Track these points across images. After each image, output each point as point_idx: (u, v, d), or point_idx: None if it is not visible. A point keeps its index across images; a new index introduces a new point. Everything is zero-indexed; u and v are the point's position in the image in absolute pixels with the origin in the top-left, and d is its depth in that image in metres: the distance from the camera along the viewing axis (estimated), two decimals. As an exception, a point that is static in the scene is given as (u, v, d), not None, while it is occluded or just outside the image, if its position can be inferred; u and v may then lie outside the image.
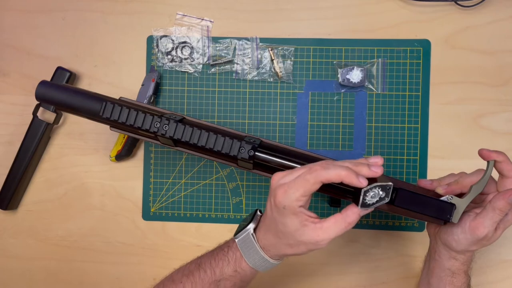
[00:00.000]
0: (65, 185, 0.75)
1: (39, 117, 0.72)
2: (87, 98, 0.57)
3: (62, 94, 0.57)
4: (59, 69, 0.72)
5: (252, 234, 0.52)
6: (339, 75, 0.71)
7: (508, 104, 0.70)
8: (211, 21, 0.73)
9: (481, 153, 0.55)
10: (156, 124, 0.55)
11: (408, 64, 0.71)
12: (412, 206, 0.53)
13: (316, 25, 0.72)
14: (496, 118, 0.70)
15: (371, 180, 0.48)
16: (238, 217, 0.73)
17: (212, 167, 0.73)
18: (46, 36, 0.75)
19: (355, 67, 0.71)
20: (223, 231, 0.73)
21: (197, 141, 0.55)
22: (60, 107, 0.58)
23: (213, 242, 0.73)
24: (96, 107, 0.56)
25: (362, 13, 0.72)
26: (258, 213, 0.54)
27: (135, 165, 0.74)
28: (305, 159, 0.55)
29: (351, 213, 0.49)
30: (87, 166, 0.75)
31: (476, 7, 0.70)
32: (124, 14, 0.74)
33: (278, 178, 0.50)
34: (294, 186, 0.48)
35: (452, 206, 0.53)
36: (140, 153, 0.74)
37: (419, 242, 0.71)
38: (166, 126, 0.55)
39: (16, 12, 0.76)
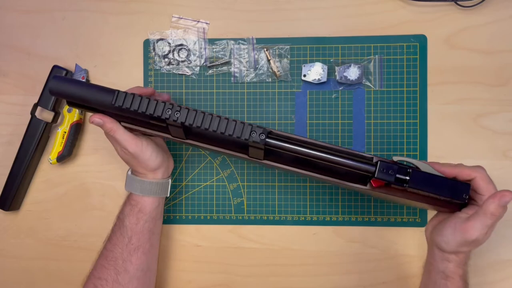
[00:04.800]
0: (65, 185, 0.75)
1: (37, 117, 0.72)
2: (99, 89, 0.58)
3: (75, 87, 0.58)
4: (55, 68, 0.72)
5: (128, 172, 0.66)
6: (336, 73, 0.71)
7: (508, 104, 0.70)
8: (207, 23, 0.73)
9: (440, 170, 0.55)
10: (168, 111, 0.55)
11: (405, 60, 0.71)
12: (427, 187, 0.53)
13: (316, 25, 0.72)
14: (496, 118, 0.70)
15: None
16: (240, 218, 0.73)
17: (213, 169, 0.73)
18: (46, 36, 0.75)
19: (352, 64, 0.71)
20: (222, 231, 0.73)
21: (209, 125, 0.55)
22: (73, 100, 0.59)
23: (213, 242, 0.73)
24: (108, 98, 0.57)
25: (362, 13, 0.72)
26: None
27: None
28: (315, 147, 0.56)
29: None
30: (87, 166, 0.75)
31: (476, 7, 0.70)
32: (125, 14, 0.74)
33: None
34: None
35: (467, 185, 0.53)
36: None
37: (419, 241, 0.71)
38: (177, 113, 0.55)
39: (16, 12, 0.75)
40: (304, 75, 0.72)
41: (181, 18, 0.73)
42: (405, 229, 0.72)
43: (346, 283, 0.72)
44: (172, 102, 0.57)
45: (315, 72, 0.71)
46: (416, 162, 0.55)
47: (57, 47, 0.75)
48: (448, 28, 0.71)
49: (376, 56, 0.71)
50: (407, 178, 0.53)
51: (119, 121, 0.60)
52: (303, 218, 0.72)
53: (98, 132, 0.74)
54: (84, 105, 0.59)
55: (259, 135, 0.54)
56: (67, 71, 0.72)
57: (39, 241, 0.76)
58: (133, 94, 0.56)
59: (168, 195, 0.68)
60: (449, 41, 0.71)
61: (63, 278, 0.75)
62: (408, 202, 0.60)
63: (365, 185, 0.57)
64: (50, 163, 0.73)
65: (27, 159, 0.72)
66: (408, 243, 0.72)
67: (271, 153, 0.57)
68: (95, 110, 0.60)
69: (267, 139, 0.55)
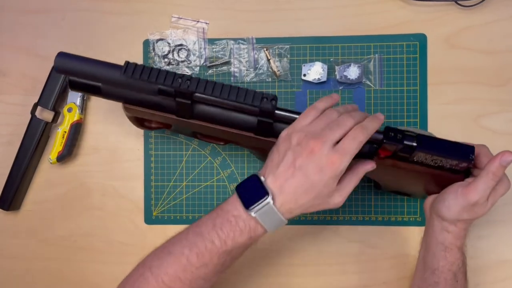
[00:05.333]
0: (65, 185, 0.75)
1: (38, 117, 0.72)
2: (106, 64, 0.57)
3: (81, 63, 0.57)
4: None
5: (273, 205, 0.51)
6: (336, 73, 0.71)
7: (508, 104, 0.70)
8: (206, 23, 0.73)
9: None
10: (178, 80, 0.55)
11: (405, 59, 0.71)
12: (434, 150, 0.54)
13: (315, 25, 0.72)
14: (496, 118, 0.70)
15: None
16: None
17: (213, 169, 0.73)
18: (46, 36, 0.75)
19: (352, 63, 0.71)
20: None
21: (220, 93, 0.55)
22: (80, 76, 0.57)
23: (213, 242, 0.73)
24: (116, 71, 0.56)
25: (362, 13, 0.72)
26: (262, 178, 0.52)
27: (135, 165, 0.74)
28: None
29: (362, 168, 0.54)
30: (87, 166, 0.75)
31: (476, 7, 0.70)
32: (125, 14, 0.74)
33: (322, 139, 0.50)
34: (350, 152, 0.50)
35: (472, 147, 0.55)
36: (140, 153, 0.74)
37: (419, 241, 0.71)
38: (188, 82, 0.55)
39: (16, 12, 0.75)
40: (304, 75, 0.72)
41: (181, 18, 0.73)
42: (406, 229, 0.72)
43: (346, 283, 0.72)
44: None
45: (315, 71, 0.71)
46: (419, 131, 0.56)
47: (57, 47, 0.74)
48: (448, 28, 0.71)
49: (376, 55, 0.71)
50: (415, 144, 0.54)
51: (124, 103, 0.59)
52: (303, 218, 0.72)
53: (98, 132, 0.75)
54: (89, 84, 0.58)
55: (271, 101, 0.54)
56: (67, 71, 0.72)
57: (39, 241, 0.76)
58: (143, 65, 0.56)
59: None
60: (449, 41, 0.71)
61: (63, 278, 0.75)
62: (410, 185, 0.61)
63: (372, 159, 0.57)
64: (50, 163, 0.73)
65: (27, 159, 0.72)
66: (408, 243, 0.72)
67: (279, 129, 0.57)
68: (99, 92, 0.58)
69: (276, 111, 0.55)
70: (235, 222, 0.52)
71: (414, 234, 0.71)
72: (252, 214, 0.51)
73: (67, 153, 0.72)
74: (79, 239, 0.75)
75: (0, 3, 0.76)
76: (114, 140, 0.74)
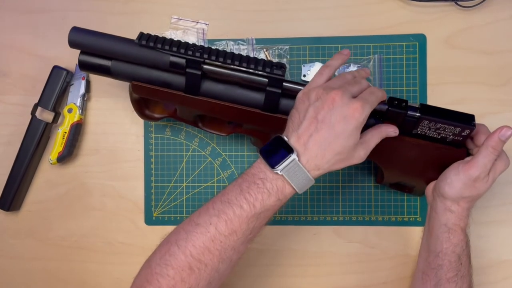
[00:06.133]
0: (65, 185, 0.75)
1: (38, 117, 0.72)
2: (119, 37, 0.59)
3: (95, 36, 0.58)
4: (55, 68, 0.72)
5: (298, 161, 0.50)
6: (336, 73, 0.71)
7: (508, 104, 0.70)
8: (206, 24, 0.73)
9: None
10: (190, 48, 0.56)
11: (404, 59, 0.71)
12: (437, 117, 0.56)
13: (315, 25, 0.72)
14: (496, 118, 0.70)
15: None
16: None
17: (213, 170, 0.73)
18: (46, 36, 0.75)
19: (351, 64, 0.71)
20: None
21: (231, 60, 0.56)
22: (93, 50, 0.59)
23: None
24: (129, 43, 0.57)
25: (362, 13, 0.72)
26: (285, 138, 0.51)
27: (135, 165, 0.74)
28: None
29: (385, 127, 0.55)
30: (87, 166, 0.75)
31: (476, 7, 0.70)
32: (125, 14, 0.74)
33: (342, 90, 0.51)
34: (370, 102, 0.52)
35: (472, 115, 0.57)
36: (140, 154, 0.74)
37: (419, 241, 0.71)
38: (200, 50, 0.56)
39: (16, 12, 0.75)
40: (304, 75, 0.72)
41: (181, 19, 0.73)
42: (406, 229, 0.72)
43: (346, 283, 0.72)
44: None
45: (314, 72, 0.71)
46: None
47: (57, 47, 0.75)
48: (448, 28, 0.71)
49: (376, 55, 0.71)
50: (418, 114, 0.56)
51: (133, 81, 0.60)
52: (303, 218, 0.72)
53: (98, 132, 0.74)
54: (99, 64, 0.59)
55: (281, 69, 0.56)
56: (68, 71, 0.72)
57: (39, 241, 0.76)
58: (156, 35, 0.57)
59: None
60: (449, 41, 0.71)
61: (63, 278, 0.75)
62: (414, 171, 0.63)
63: None
64: (50, 163, 0.73)
65: (27, 159, 0.72)
66: (408, 243, 0.72)
67: (286, 106, 0.58)
68: (108, 71, 0.59)
69: (284, 83, 0.57)
70: (262, 184, 0.51)
71: (414, 234, 0.71)
72: (279, 172, 0.50)
73: (67, 154, 0.72)
74: (79, 239, 0.75)
75: (0, 3, 0.76)
76: (114, 140, 0.74)
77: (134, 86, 0.60)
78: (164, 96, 0.60)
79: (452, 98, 0.71)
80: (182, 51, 0.56)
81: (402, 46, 0.71)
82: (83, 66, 0.60)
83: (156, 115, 0.66)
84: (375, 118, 0.57)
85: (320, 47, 0.72)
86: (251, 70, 0.56)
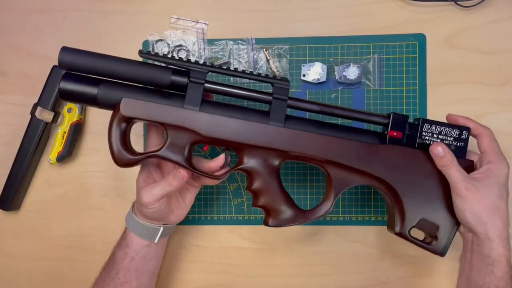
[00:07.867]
0: (65, 185, 0.75)
1: (37, 117, 0.72)
2: (112, 57, 0.57)
3: (87, 56, 0.56)
4: (55, 68, 0.72)
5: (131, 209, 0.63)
6: (336, 73, 0.71)
7: (508, 104, 0.70)
8: (206, 23, 0.73)
9: (448, 118, 0.62)
10: (195, 62, 0.57)
11: (404, 59, 0.71)
12: (437, 122, 0.60)
13: (315, 25, 0.72)
14: (496, 118, 0.70)
15: None
16: (240, 218, 0.73)
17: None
18: (46, 36, 0.75)
19: (351, 64, 0.71)
20: (223, 232, 0.73)
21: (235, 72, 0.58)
22: (86, 70, 0.56)
23: (213, 242, 0.73)
24: (123, 61, 0.57)
25: (361, 13, 0.72)
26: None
27: (135, 165, 0.74)
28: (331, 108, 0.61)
29: (173, 179, 0.57)
30: (87, 166, 0.75)
31: (476, 7, 0.70)
32: (124, 14, 0.74)
33: None
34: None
35: (468, 128, 0.60)
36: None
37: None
38: (204, 66, 0.57)
39: (16, 12, 0.76)
40: (304, 75, 0.72)
41: (180, 18, 0.73)
42: (405, 229, 0.72)
43: (346, 283, 0.72)
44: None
45: (314, 71, 0.71)
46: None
47: (57, 47, 0.74)
48: (448, 28, 0.71)
49: (375, 55, 0.71)
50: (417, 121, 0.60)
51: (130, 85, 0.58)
52: (303, 218, 0.72)
53: (98, 132, 0.74)
54: (85, 92, 0.56)
55: (284, 82, 0.58)
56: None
57: (39, 241, 0.76)
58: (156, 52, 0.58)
59: (155, 242, 0.63)
60: (449, 41, 0.71)
61: (63, 278, 0.75)
62: (427, 190, 0.62)
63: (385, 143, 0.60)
64: (50, 163, 0.73)
65: (27, 159, 0.72)
66: (408, 242, 0.71)
67: (291, 118, 0.59)
68: (94, 100, 0.56)
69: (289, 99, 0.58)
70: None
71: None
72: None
73: (67, 154, 0.72)
74: (79, 239, 0.75)
75: (0, 3, 0.76)
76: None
77: (125, 104, 0.55)
78: (162, 113, 0.56)
79: (452, 98, 0.71)
80: (188, 61, 0.57)
81: (402, 46, 0.71)
82: (64, 95, 0.57)
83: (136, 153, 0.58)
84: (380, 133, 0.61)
85: (320, 47, 0.72)
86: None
